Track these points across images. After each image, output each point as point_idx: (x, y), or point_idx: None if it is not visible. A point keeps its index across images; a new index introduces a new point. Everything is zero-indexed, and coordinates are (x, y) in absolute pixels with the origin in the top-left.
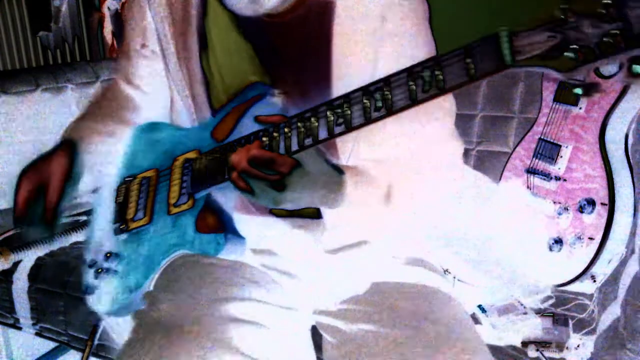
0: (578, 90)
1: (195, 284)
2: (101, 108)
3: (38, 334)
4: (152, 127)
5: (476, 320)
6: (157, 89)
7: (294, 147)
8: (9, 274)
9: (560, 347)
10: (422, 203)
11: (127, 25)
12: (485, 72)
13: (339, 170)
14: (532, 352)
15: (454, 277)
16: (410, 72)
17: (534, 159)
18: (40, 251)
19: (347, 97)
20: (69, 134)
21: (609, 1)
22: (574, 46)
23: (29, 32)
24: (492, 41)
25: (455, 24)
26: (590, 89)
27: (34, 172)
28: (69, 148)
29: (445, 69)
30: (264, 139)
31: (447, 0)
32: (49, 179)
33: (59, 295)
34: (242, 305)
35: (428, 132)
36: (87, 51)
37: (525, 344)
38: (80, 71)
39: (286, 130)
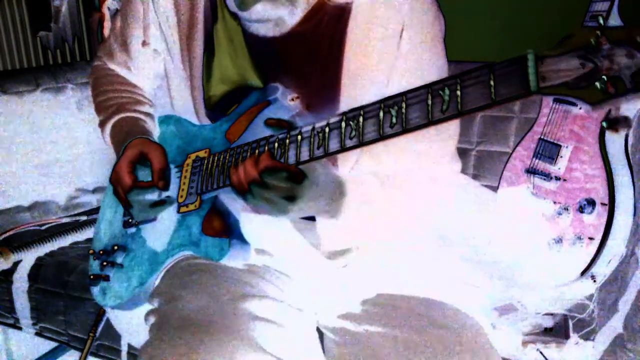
0: (603, 123)
1: (214, 283)
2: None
3: (38, 334)
4: (168, 120)
5: None
6: (155, 83)
7: (304, 156)
8: (9, 274)
9: (560, 347)
10: (419, 212)
11: (125, 17)
12: (507, 97)
13: (339, 181)
14: (532, 352)
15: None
16: (430, 89)
17: (534, 159)
18: (40, 251)
19: (363, 110)
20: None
21: None
22: (605, 77)
23: (29, 32)
24: (518, 64)
25: (468, 39)
26: (616, 123)
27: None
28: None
29: (465, 89)
30: (275, 145)
31: (462, 15)
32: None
33: (59, 295)
34: (260, 304)
35: (431, 152)
36: (87, 51)
37: (525, 343)
38: (80, 71)
39: (298, 138)
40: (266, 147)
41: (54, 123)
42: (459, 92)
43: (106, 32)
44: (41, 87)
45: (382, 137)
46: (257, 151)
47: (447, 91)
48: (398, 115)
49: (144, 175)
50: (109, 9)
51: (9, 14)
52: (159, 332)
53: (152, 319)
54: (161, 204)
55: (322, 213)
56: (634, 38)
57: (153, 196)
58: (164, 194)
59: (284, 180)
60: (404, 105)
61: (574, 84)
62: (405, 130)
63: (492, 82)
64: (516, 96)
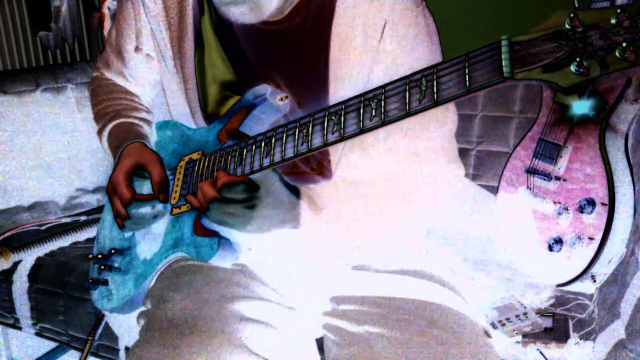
0: (580, 107)
1: (204, 285)
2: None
3: (38, 334)
4: (165, 125)
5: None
6: (152, 91)
7: (289, 153)
8: (9, 274)
9: (560, 347)
10: (419, 212)
11: (119, 25)
12: (482, 84)
13: (295, 191)
14: (532, 352)
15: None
16: (409, 81)
17: (534, 159)
18: (40, 251)
19: (345, 105)
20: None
21: (621, 11)
22: (578, 59)
23: (29, 32)
24: (492, 50)
25: (466, 37)
26: (594, 106)
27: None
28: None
29: (441, 79)
30: (262, 143)
31: (456, 14)
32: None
33: (59, 295)
34: (250, 305)
35: (426, 151)
36: (87, 51)
37: (525, 343)
38: (80, 71)
39: (284, 135)
40: (253, 146)
41: (54, 123)
42: (435, 82)
43: (106, 32)
44: (41, 87)
45: (362, 131)
46: (244, 151)
47: (424, 81)
48: (377, 107)
49: (139, 184)
50: (109, 9)
51: (9, 14)
52: (146, 334)
53: (142, 321)
54: (157, 216)
55: (283, 224)
56: (607, 20)
57: (152, 209)
58: (160, 207)
59: (243, 192)
60: (383, 97)
61: (548, 68)
62: (384, 122)
63: (466, 70)
64: (490, 83)
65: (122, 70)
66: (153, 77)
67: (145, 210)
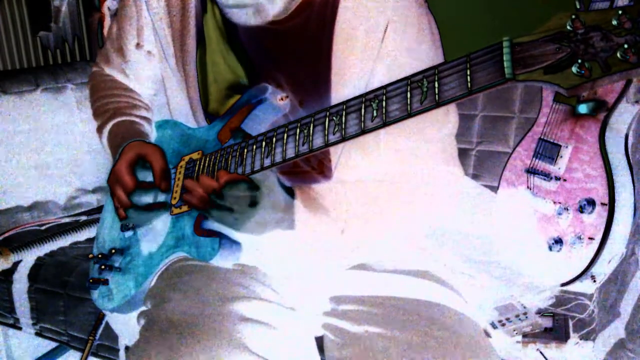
0: (582, 109)
1: (204, 285)
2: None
3: (38, 334)
4: (165, 124)
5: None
6: (152, 88)
7: (290, 153)
8: (9, 274)
9: (560, 347)
10: (420, 212)
11: (120, 21)
12: (484, 85)
13: (289, 192)
14: (532, 352)
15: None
16: (410, 82)
17: (534, 159)
18: (40, 251)
19: (345, 105)
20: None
21: (623, 13)
22: (580, 61)
23: (29, 32)
24: (494, 51)
25: (467, 38)
26: (595, 107)
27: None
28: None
29: (442, 80)
30: (263, 143)
31: (458, 14)
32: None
33: (59, 295)
34: (250, 305)
35: (426, 151)
36: (87, 51)
37: (525, 343)
38: (80, 71)
39: (285, 136)
40: (254, 146)
41: (54, 123)
42: (436, 83)
43: (106, 32)
44: (41, 87)
45: (363, 132)
46: (245, 151)
47: (425, 82)
48: (379, 108)
49: (142, 176)
50: (109, 9)
51: (9, 14)
52: (146, 334)
53: (142, 321)
54: (160, 206)
55: (278, 224)
56: (608, 21)
57: (154, 198)
58: (162, 197)
59: (245, 190)
60: (384, 98)
61: (550, 69)
62: (386, 123)
63: (468, 71)
64: (492, 84)
65: (122, 66)
66: (153, 74)
67: (148, 199)
